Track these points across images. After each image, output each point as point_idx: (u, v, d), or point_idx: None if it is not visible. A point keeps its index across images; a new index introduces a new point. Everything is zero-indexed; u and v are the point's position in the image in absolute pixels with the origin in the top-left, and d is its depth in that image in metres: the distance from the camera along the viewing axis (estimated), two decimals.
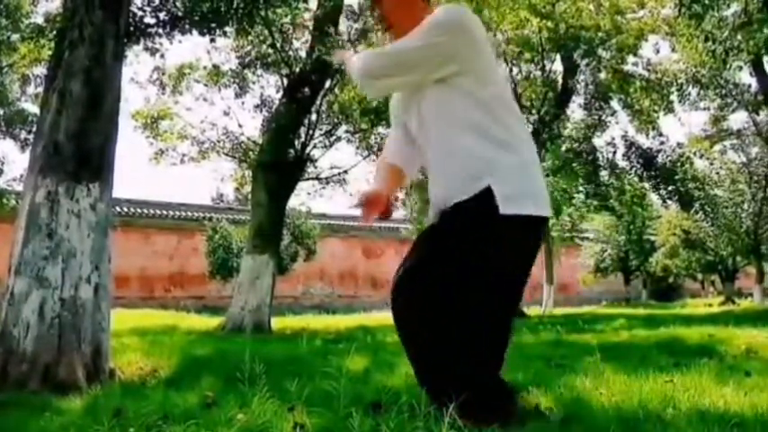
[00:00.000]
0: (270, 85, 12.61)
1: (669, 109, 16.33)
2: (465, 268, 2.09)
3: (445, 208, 2.18)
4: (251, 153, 12.57)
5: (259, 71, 12.03)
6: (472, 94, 2.14)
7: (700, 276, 29.37)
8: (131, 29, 5.98)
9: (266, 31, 10.53)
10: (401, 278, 2.19)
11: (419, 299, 2.11)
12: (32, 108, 13.87)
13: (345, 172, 13.95)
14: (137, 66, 34.77)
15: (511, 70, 16.43)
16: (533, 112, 15.56)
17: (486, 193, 2.07)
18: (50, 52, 5.35)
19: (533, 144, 2.28)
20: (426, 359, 2.15)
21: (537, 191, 2.16)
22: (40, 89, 11.91)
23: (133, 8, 5.98)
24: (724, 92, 16.57)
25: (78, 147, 4.05)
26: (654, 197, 18.15)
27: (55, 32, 6.32)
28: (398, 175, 2.50)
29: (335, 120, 12.58)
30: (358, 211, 2.29)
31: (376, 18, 2.43)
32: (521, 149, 2.16)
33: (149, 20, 6.46)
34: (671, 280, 28.15)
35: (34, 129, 4.92)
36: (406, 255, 2.30)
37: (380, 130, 13.07)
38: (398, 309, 2.19)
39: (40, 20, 10.54)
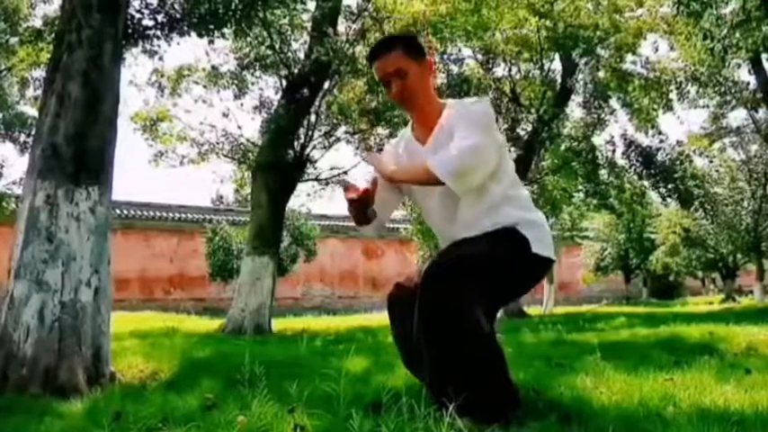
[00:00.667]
0: (269, 87, 12.63)
1: (668, 107, 16.32)
2: (492, 279, 2.36)
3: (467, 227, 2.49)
4: (250, 154, 12.57)
5: (258, 72, 12.01)
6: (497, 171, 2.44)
7: (700, 274, 29.39)
8: (129, 31, 5.96)
9: (265, 33, 10.52)
10: (434, 269, 2.30)
11: (450, 292, 2.20)
12: (31, 111, 13.88)
13: (345, 173, 13.93)
14: (135, 68, 34.80)
15: (510, 70, 16.44)
16: (532, 111, 15.55)
17: (515, 232, 2.42)
18: (49, 55, 5.34)
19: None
20: (442, 354, 2.20)
21: (551, 241, 2.52)
22: (39, 92, 11.92)
23: (131, 10, 5.97)
24: (723, 90, 16.57)
25: (77, 150, 4.05)
26: (653, 195, 18.13)
27: (53, 35, 6.31)
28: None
29: (334, 120, 12.57)
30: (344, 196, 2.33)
31: (390, 95, 2.55)
32: (536, 211, 2.58)
33: (147, 22, 6.44)
34: (671, 278, 28.16)
35: (33, 132, 4.91)
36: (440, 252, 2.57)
37: (380, 130, 13.07)
38: (426, 297, 2.23)
39: (38, 23, 10.57)
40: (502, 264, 2.37)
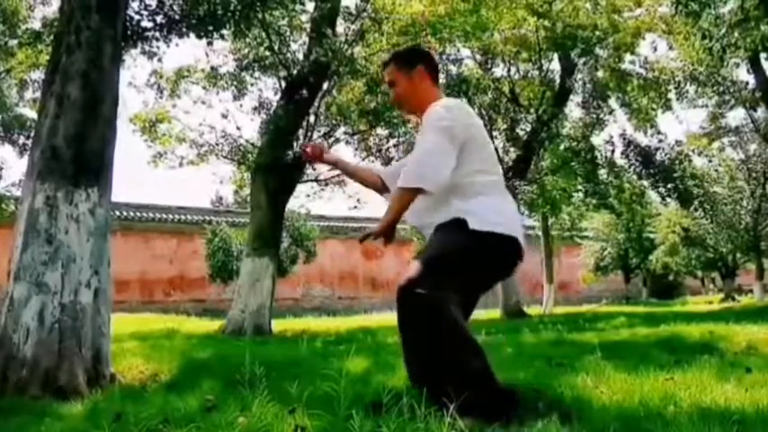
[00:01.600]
0: (268, 88, 12.64)
1: (667, 107, 16.34)
2: (453, 272, 2.47)
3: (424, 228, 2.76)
4: (250, 155, 12.57)
5: (257, 73, 12.01)
6: (461, 167, 2.59)
7: (700, 274, 29.37)
8: (128, 33, 5.97)
9: (263, 34, 10.52)
10: (405, 284, 2.42)
11: (423, 299, 2.35)
12: (30, 113, 13.87)
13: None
14: (134, 70, 34.79)
15: (509, 70, 16.44)
16: (531, 111, 15.56)
17: (457, 219, 2.57)
18: (48, 57, 5.34)
19: (503, 183, 2.82)
20: (430, 358, 2.31)
21: (497, 218, 2.58)
22: (38, 94, 11.92)
23: (130, 12, 5.97)
24: (722, 89, 16.58)
25: (77, 151, 4.05)
26: (653, 195, 18.15)
27: (52, 37, 6.32)
28: (369, 176, 3.13)
29: (334, 121, 12.58)
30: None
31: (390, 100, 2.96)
32: (494, 194, 2.66)
33: (146, 23, 6.45)
34: (671, 278, 28.15)
35: (32, 134, 4.91)
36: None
37: (379, 131, 13.08)
38: (406, 309, 2.41)
39: (37, 25, 10.56)
40: (454, 254, 2.50)
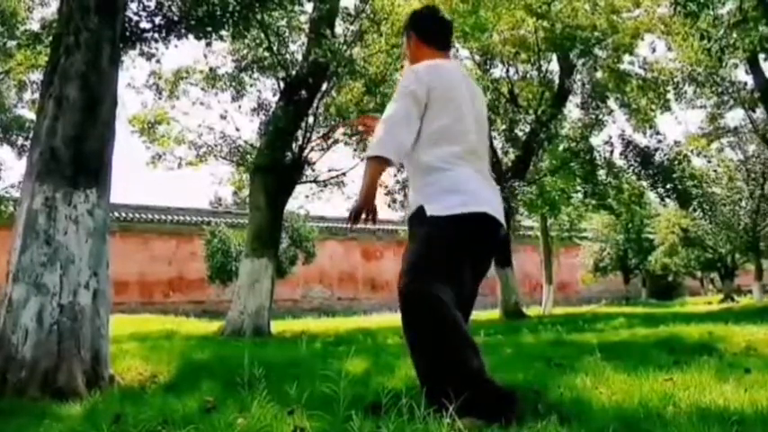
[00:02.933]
0: (266, 89, 12.62)
1: (666, 107, 16.35)
2: (420, 256, 2.48)
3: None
4: (248, 156, 12.56)
5: (256, 74, 12.01)
6: (426, 127, 2.58)
7: (699, 274, 29.40)
8: (127, 34, 5.97)
9: (262, 35, 10.52)
10: (401, 289, 2.45)
11: (421, 301, 2.37)
12: (29, 114, 13.87)
13: (343, 174, 13.94)
14: (133, 71, 34.86)
15: (507, 71, 16.45)
16: (530, 112, 15.57)
17: (420, 209, 2.55)
18: (47, 58, 5.34)
19: (475, 164, 2.66)
20: (432, 358, 2.32)
21: (465, 197, 2.51)
22: (37, 95, 11.91)
23: (128, 13, 5.98)
24: (720, 90, 16.60)
25: (75, 152, 4.04)
26: (652, 195, 18.14)
27: (51, 38, 6.31)
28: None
29: (332, 122, 12.57)
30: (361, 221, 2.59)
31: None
32: (451, 169, 2.56)
33: (145, 24, 6.45)
34: (670, 278, 28.16)
35: (31, 135, 4.91)
36: None
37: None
38: (403, 312, 2.43)
39: (35, 26, 10.57)
40: (425, 248, 2.49)
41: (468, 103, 2.66)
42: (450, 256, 2.47)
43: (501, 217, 2.62)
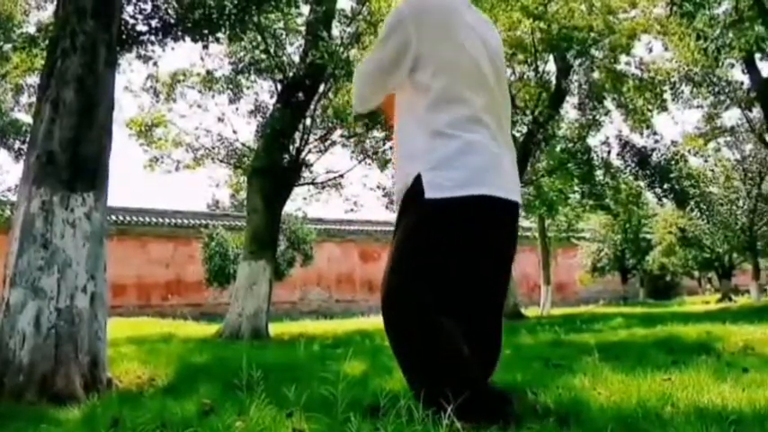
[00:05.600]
0: (264, 91, 12.64)
1: (663, 107, 16.38)
2: (406, 256, 2.16)
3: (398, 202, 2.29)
4: (246, 159, 12.57)
5: (253, 77, 12.02)
6: (422, 84, 2.16)
7: (696, 274, 29.47)
8: (124, 37, 5.97)
9: (259, 37, 10.53)
10: (383, 299, 2.23)
11: (395, 306, 2.17)
12: (26, 118, 13.83)
13: (341, 176, 13.95)
14: (130, 74, 34.80)
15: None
16: (527, 113, 15.58)
17: (417, 182, 2.12)
18: (43, 61, 5.34)
19: (490, 130, 2.20)
20: (414, 364, 2.16)
21: (467, 173, 2.10)
22: (34, 99, 11.89)
23: (125, 16, 5.98)
24: (717, 89, 16.65)
25: (72, 156, 4.04)
26: (649, 195, 18.21)
27: (47, 42, 6.31)
28: None
29: (330, 124, 12.57)
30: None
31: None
32: (460, 136, 2.12)
33: (141, 27, 6.46)
34: (668, 278, 28.25)
35: (28, 138, 4.90)
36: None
37: (375, 133, 13.08)
38: (383, 314, 2.23)
39: (32, 29, 10.55)
40: (417, 240, 2.14)
41: (478, 45, 2.21)
42: (448, 253, 2.11)
43: (516, 195, 2.25)
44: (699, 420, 1.96)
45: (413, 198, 2.14)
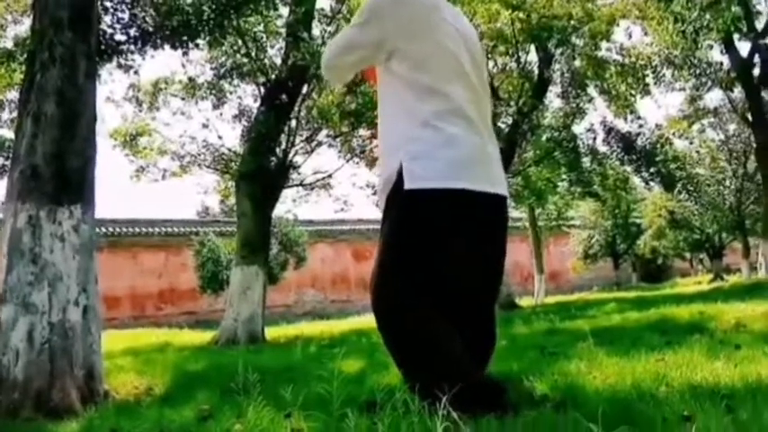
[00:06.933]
0: (247, 95, 12.60)
1: (645, 92, 16.47)
2: (392, 249, 2.12)
3: (382, 196, 2.23)
4: (233, 164, 12.53)
5: (235, 81, 11.99)
6: (402, 77, 2.16)
7: (688, 255, 29.67)
8: (103, 47, 5.94)
9: (239, 41, 10.50)
10: (371, 285, 2.19)
11: (384, 300, 2.14)
12: (8, 134, 13.72)
13: (329, 176, 13.95)
14: (112, 84, 34.55)
15: (486, 64, 16.49)
16: (511, 104, 15.63)
17: (399, 174, 2.08)
18: (22, 76, 5.31)
19: (471, 123, 2.17)
20: (408, 359, 2.16)
21: (454, 167, 2.07)
22: (15, 114, 11.80)
23: (103, 26, 5.95)
24: (698, 71, 16.74)
25: (57, 169, 4.02)
26: (636, 180, 18.31)
27: (25, 55, 6.27)
28: None
29: (315, 125, 12.56)
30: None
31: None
32: (444, 128, 2.10)
33: (120, 37, 6.44)
34: (660, 261, 28.42)
35: (11, 154, 4.87)
36: None
37: (361, 132, 13.08)
38: (374, 312, 2.21)
39: (9, 44, 10.45)
40: (402, 234, 2.10)
41: (457, 39, 2.21)
42: (435, 245, 2.07)
43: (503, 188, 2.23)
44: (692, 398, 1.98)
45: (396, 191, 2.10)
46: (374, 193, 15.24)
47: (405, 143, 2.11)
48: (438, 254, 2.10)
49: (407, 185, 2.05)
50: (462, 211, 2.09)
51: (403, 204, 2.08)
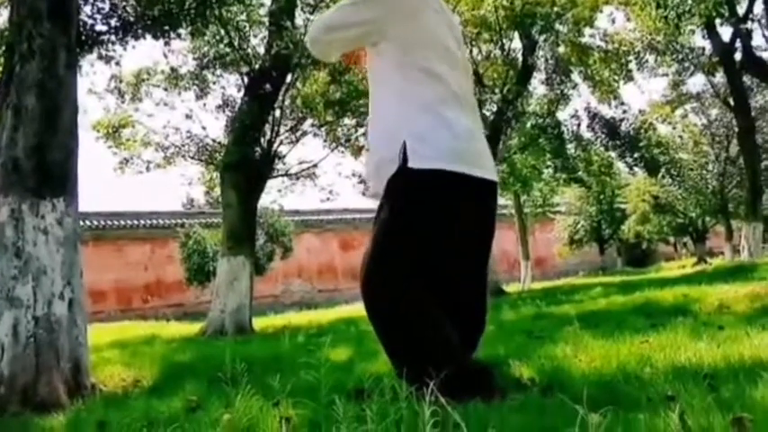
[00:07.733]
0: (230, 85, 12.49)
1: (629, 77, 16.58)
2: (388, 233, 2.13)
3: (376, 180, 2.22)
4: (217, 155, 12.45)
5: (218, 71, 11.88)
6: (396, 60, 2.18)
7: (672, 240, 29.97)
8: (83, 38, 5.87)
9: (222, 31, 10.40)
10: (362, 271, 2.20)
11: (376, 284, 2.15)
12: None
13: (315, 166, 13.89)
14: (93, 76, 34.08)
15: (470, 51, 16.50)
16: (496, 91, 15.66)
17: (402, 152, 2.09)
18: (1, 68, 5.24)
19: (464, 109, 2.23)
20: (398, 344, 2.18)
21: (451, 150, 2.10)
22: None
23: (83, 17, 5.87)
24: (680, 57, 16.85)
25: (38, 162, 3.97)
26: (621, 165, 18.47)
27: (4, 48, 6.18)
28: None
29: (300, 114, 12.50)
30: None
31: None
32: (441, 113, 2.13)
33: (101, 27, 6.36)
34: (644, 245, 28.66)
35: None
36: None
37: (346, 121, 13.04)
38: (365, 299, 2.22)
39: None
40: (399, 218, 2.10)
41: (444, 28, 2.26)
42: (430, 229, 2.10)
43: (493, 174, 2.26)
44: (676, 378, 2.01)
45: (398, 173, 2.10)
46: (361, 182, 15.21)
47: (406, 124, 2.12)
48: (436, 236, 2.12)
49: (414, 164, 2.05)
50: (461, 194, 2.12)
51: (408, 183, 2.08)
